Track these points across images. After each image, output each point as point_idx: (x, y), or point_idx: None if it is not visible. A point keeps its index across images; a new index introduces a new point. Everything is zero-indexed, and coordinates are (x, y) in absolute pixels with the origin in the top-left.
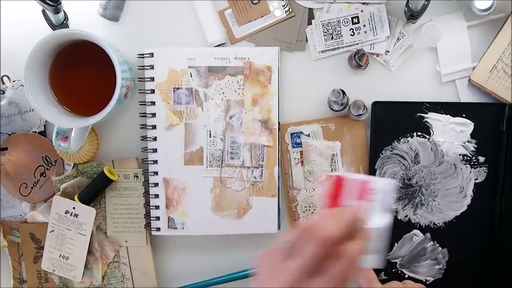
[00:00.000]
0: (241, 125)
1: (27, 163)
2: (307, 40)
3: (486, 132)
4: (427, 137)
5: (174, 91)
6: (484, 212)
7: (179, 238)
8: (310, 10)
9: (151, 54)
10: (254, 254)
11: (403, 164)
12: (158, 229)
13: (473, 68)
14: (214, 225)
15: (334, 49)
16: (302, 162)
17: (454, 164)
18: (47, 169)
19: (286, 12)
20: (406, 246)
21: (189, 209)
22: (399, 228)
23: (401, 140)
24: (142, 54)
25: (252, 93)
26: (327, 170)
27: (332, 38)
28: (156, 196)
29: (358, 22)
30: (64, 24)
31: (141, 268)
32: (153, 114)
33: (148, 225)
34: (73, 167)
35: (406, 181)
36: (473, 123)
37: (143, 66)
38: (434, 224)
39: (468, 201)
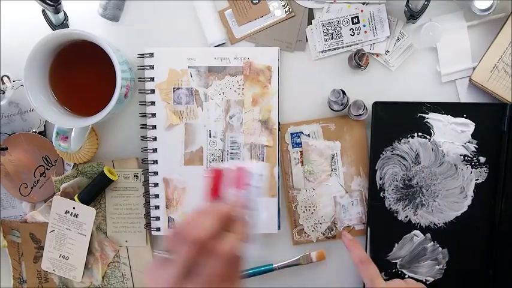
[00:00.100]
0: (241, 125)
1: (27, 163)
2: (307, 40)
3: (487, 133)
4: (428, 137)
5: (174, 91)
6: (484, 213)
7: None
8: (310, 10)
9: (151, 54)
10: (254, 254)
11: (404, 165)
12: (158, 229)
13: (474, 68)
14: None
15: (334, 49)
16: (302, 162)
17: (455, 165)
18: (47, 169)
19: (286, 12)
20: (406, 247)
21: (189, 209)
22: (399, 229)
23: (402, 140)
24: (142, 54)
25: (252, 93)
26: (327, 170)
27: (332, 38)
28: (156, 196)
29: (358, 22)
30: (64, 24)
31: (141, 268)
32: (153, 114)
33: (148, 225)
34: (73, 167)
35: (407, 182)
36: (474, 124)
37: (143, 66)
38: (434, 224)
39: (469, 201)
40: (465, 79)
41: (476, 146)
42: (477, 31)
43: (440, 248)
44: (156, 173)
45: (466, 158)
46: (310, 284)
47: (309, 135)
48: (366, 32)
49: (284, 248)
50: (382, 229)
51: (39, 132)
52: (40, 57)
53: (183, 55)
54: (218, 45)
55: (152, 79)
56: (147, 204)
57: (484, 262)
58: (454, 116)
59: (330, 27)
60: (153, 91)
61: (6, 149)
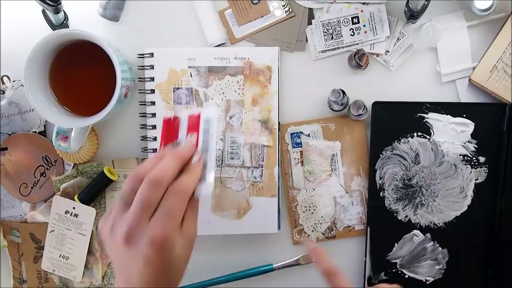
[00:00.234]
0: (241, 125)
1: (27, 163)
2: (307, 40)
3: (486, 133)
4: (428, 137)
5: (174, 91)
6: (484, 212)
7: None
8: (310, 10)
9: (151, 54)
10: (255, 253)
11: (404, 165)
12: None
13: (474, 68)
14: (214, 225)
15: (334, 49)
16: (302, 162)
17: (455, 164)
18: (47, 169)
19: (286, 12)
20: (406, 247)
21: None
22: (399, 229)
23: (402, 140)
24: (143, 54)
25: (252, 93)
26: (327, 170)
27: (332, 38)
28: None
29: (358, 22)
30: (64, 24)
31: None
32: (153, 114)
33: None
34: (73, 167)
35: (407, 181)
36: (473, 124)
37: (143, 66)
38: (434, 224)
39: (468, 201)
40: (465, 79)
41: (476, 146)
42: (477, 31)
43: (440, 248)
44: None
45: (465, 157)
46: (310, 284)
47: (309, 135)
48: (366, 32)
49: (284, 248)
50: (382, 229)
51: (39, 132)
52: (40, 57)
53: (183, 55)
54: (218, 45)
55: (152, 79)
56: None
57: (484, 262)
58: (454, 116)
59: (330, 27)
60: (153, 91)
61: (6, 149)
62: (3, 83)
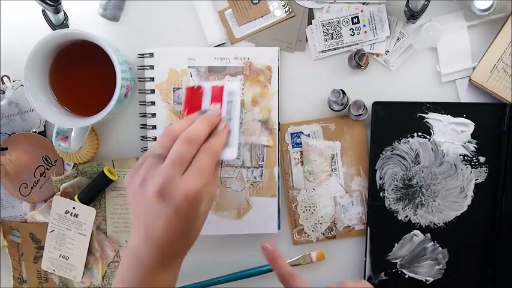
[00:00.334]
0: (241, 125)
1: (27, 163)
2: (307, 40)
3: (487, 133)
4: (428, 137)
5: (174, 91)
6: (484, 213)
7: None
8: (310, 10)
9: (151, 54)
10: (255, 253)
11: (404, 165)
12: None
13: (474, 68)
14: (214, 225)
15: (334, 49)
16: (302, 162)
17: (455, 165)
18: (47, 169)
19: (286, 12)
20: (406, 247)
21: None
22: (399, 229)
23: (402, 140)
24: (143, 54)
25: (252, 93)
26: (327, 170)
27: (332, 38)
28: None
29: (358, 22)
30: (64, 24)
31: None
32: (153, 114)
33: None
34: (73, 167)
35: (407, 181)
36: (473, 124)
37: (143, 66)
38: (434, 224)
39: (468, 201)
40: (465, 79)
41: (476, 146)
42: (477, 31)
43: (440, 248)
44: None
45: (465, 157)
46: (310, 284)
47: (309, 135)
48: (366, 32)
49: (284, 248)
50: (382, 229)
51: (39, 132)
52: (40, 57)
53: (183, 55)
54: (218, 45)
55: (152, 79)
56: None
57: (484, 262)
58: (454, 116)
59: (330, 27)
60: (153, 91)
61: (6, 149)
62: (3, 83)
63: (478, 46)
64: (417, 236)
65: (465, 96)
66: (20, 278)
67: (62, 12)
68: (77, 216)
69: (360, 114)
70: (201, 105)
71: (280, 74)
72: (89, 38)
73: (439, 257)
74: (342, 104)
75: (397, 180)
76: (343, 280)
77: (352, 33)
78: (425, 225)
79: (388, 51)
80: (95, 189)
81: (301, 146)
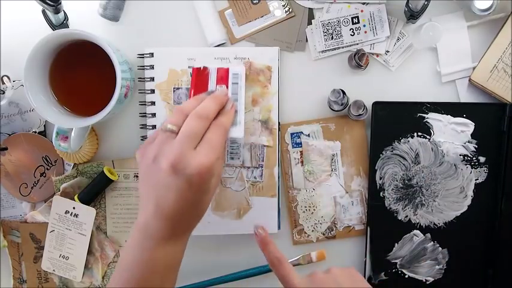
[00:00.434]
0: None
1: (27, 163)
2: (307, 40)
3: (487, 133)
4: (428, 137)
5: (174, 91)
6: (484, 213)
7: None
8: (310, 10)
9: (151, 54)
10: (255, 253)
11: (404, 165)
12: None
13: (474, 68)
14: (215, 225)
15: (334, 49)
16: (302, 162)
17: (455, 164)
18: (47, 169)
19: (286, 12)
20: (406, 247)
21: None
22: (399, 229)
23: (402, 140)
24: (142, 54)
25: (252, 93)
26: (327, 170)
27: (332, 38)
28: None
29: (358, 22)
30: (64, 24)
31: None
32: (153, 114)
33: None
34: (73, 167)
35: (407, 181)
36: (473, 124)
37: (143, 66)
38: (434, 224)
39: (468, 201)
40: (465, 79)
41: (476, 146)
42: (477, 31)
43: (440, 248)
44: None
45: (465, 157)
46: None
47: (309, 135)
48: (366, 32)
49: (284, 248)
50: (382, 229)
51: (39, 132)
52: (40, 57)
53: (183, 55)
54: (218, 45)
55: (152, 79)
56: None
57: (484, 262)
58: (454, 116)
59: (330, 27)
60: (153, 91)
61: (6, 149)
62: (3, 83)
63: (478, 46)
64: (417, 236)
65: (465, 96)
66: (20, 278)
67: (62, 12)
68: (77, 216)
69: (360, 114)
70: (207, 86)
71: (280, 74)
72: (89, 38)
73: (439, 257)
74: (342, 104)
75: (397, 180)
76: (330, 267)
77: (352, 33)
78: (425, 225)
79: (388, 51)
80: (95, 189)
81: (301, 146)
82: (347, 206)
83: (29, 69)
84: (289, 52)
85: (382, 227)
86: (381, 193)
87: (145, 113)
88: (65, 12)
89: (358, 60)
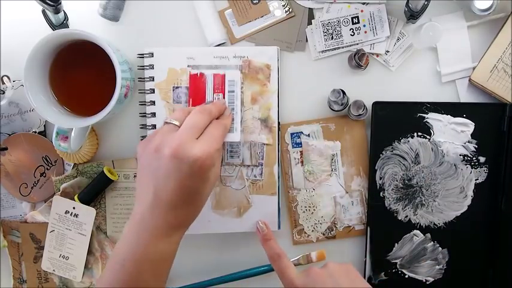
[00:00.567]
0: (240, 123)
1: (27, 163)
2: (307, 40)
3: (487, 133)
4: (428, 137)
5: (173, 90)
6: (484, 213)
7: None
8: (310, 10)
9: (151, 54)
10: (255, 252)
11: (404, 165)
12: None
13: (474, 68)
14: (215, 223)
15: (334, 49)
16: (302, 162)
17: (455, 164)
18: (47, 169)
19: (286, 12)
20: (406, 247)
21: None
22: (399, 229)
23: (402, 140)
24: (142, 54)
25: (251, 92)
26: (327, 170)
27: (332, 38)
28: None
29: (358, 22)
30: (64, 24)
31: None
32: (153, 114)
33: None
34: (73, 167)
35: (407, 181)
36: (473, 124)
37: (143, 66)
38: (434, 224)
39: (468, 201)
40: (465, 79)
41: (476, 146)
42: (477, 31)
43: (440, 248)
44: None
45: (465, 157)
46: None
47: (309, 135)
48: (366, 32)
49: (284, 248)
50: (382, 229)
51: (39, 132)
52: (40, 57)
53: (183, 54)
54: (218, 45)
55: (152, 79)
56: None
57: (484, 262)
58: (454, 116)
59: (330, 27)
60: (153, 91)
61: (6, 149)
62: (3, 83)
63: (478, 46)
64: (417, 236)
65: (465, 96)
66: (20, 278)
67: (62, 12)
68: (77, 216)
69: (360, 114)
70: (205, 93)
71: (280, 74)
72: (89, 38)
73: (439, 257)
74: (342, 104)
75: (397, 180)
76: (327, 262)
77: (352, 33)
78: (425, 225)
79: (388, 51)
80: (95, 189)
81: (301, 146)
82: (347, 206)
83: (29, 69)
84: (289, 52)
85: (382, 227)
86: (381, 193)
87: (145, 113)
88: (65, 12)
89: (358, 60)
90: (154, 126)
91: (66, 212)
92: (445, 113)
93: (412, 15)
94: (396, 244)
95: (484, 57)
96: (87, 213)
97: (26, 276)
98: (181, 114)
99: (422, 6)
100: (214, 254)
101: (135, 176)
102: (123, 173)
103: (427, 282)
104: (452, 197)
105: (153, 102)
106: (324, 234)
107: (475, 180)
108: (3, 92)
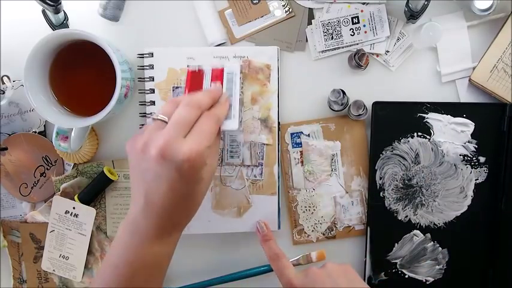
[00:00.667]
0: (240, 123)
1: (27, 163)
2: (307, 40)
3: (487, 133)
4: (428, 137)
5: (173, 90)
6: (484, 213)
7: (180, 237)
8: (310, 10)
9: (151, 54)
10: (255, 252)
11: (404, 165)
12: None
13: (474, 68)
14: (215, 223)
15: (334, 49)
16: (302, 162)
17: (455, 164)
18: (47, 169)
19: (286, 12)
20: (406, 247)
21: None
22: (399, 229)
23: (402, 140)
24: (142, 54)
25: (251, 92)
26: (327, 170)
27: (332, 38)
28: None
29: (358, 22)
30: (64, 24)
31: None
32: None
33: None
34: (73, 167)
35: (407, 181)
36: (473, 124)
37: (143, 66)
38: (434, 224)
39: (468, 201)
40: (465, 79)
41: (476, 146)
42: (477, 31)
43: (440, 248)
44: None
45: (465, 157)
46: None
47: (309, 135)
48: (366, 32)
49: (284, 248)
50: (382, 229)
51: (39, 132)
52: (40, 57)
53: (183, 54)
54: (218, 45)
55: (152, 78)
56: None
57: (484, 262)
58: (454, 116)
59: (330, 27)
60: (152, 91)
61: (6, 149)
62: (3, 83)
63: (478, 46)
64: (417, 236)
65: (465, 96)
66: (20, 278)
67: (62, 12)
68: (77, 216)
69: (360, 114)
70: (202, 85)
71: (280, 74)
72: (89, 38)
73: (439, 257)
74: (342, 104)
75: (397, 180)
76: (326, 263)
77: (352, 33)
78: (425, 225)
79: (388, 51)
80: (95, 189)
81: (301, 146)
82: (347, 206)
83: (29, 69)
84: (289, 52)
85: (382, 227)
86: (381, 193)
87: (145, 113)
88: (65, 12)
89: (358, 60)
90: None
91: (66, 212)
92: (445, 113)
93: (412, 15)
94: (396, 244)
95: (484, 57)
96: (87, 213)
97: (26, 276)
98: (170, 108)
99: (422, 6)
100: (214, 254)
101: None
102: (123, 173)
103: (427, 282)
104: (452, 197)
105: (153, 102)
106: (324, 234)
107: (475, 180)
108: (3, 92)
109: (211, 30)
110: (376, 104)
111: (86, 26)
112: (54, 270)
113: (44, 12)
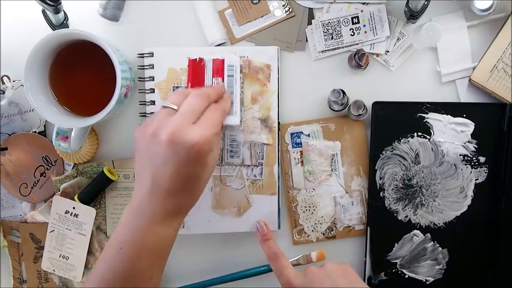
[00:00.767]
0: (240, 123)
1: (27, 163)
2: (307, 40)
3: (487, 133)
4: (428, 137)
5: (173, 90)
6: (484, 213)
7: (180, 237)
8: (310, 10)
9: (151, 54)
10: (255, 252)
11: (404, 165)
12: None
13: (474, 68)
14: (215, 223)
15: (334, 49)
16: (302, 162)
17: (455, 164)
18: (47, 169)
19: (286, 12)
20: (406, 247)
21: None
22: (399, 229)
23: (402, 140)
24: (142, 54)
25: (251, 92)
26: (327, 170)
27: (332, 38)
28: None
29: (358, 22)
30: (64, 24)
31: None
32: (153, 114)
33: None
34: (73, 167)
35: (407, 181)
36: (473, 124)
37: (143, 66)
38: (434, 224)
39: (468, 201)
40: (465, 79)
41: (476, 146)
42: (477, 31)
43: (440, 248)
44: None
45: (465, 157)
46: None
47: (309, 135)
48: (366, 32)
49: (284, 248)
50: (382, 229)
51: (39, 132)
52: (40, 57)
53: (183, 54)
54: (218, 45)
55: (152, 78)
56: None
57: (484, 262)
58: (454, 116)
59: (330, 27)
60: (153, 90)
61: (6, 149)
62: (3, 83)
63: (478, 46)
64: (417, 236)
65: (465, 96)
66: (20, 278)
67: (62, 12)
68: (77, 216)
69: (360, 114)
70: (203, 78)
71: (280, 74)
72: (89, 38)
73: (439, 257)
74: (342, 104)
75: (397, 180)
76: (325, 262)
77: (352, 33)
78: (425, 225)
79: (388, 51)
80: (95, 189)
81: (301, 146)
82: (347, 206)
83: (29, 69)
84: (289, 52)
85: (382, 227)
86: (381, 193)
87: (145, 113)
88: (65, 12)
89: (358, 60)
90: None
91: (66, 212)
92: (445, 113)
93: (412, 15)
94: (396, 244)
95: (484, 57)
96: (87, 213)
97: (26, 276)
98: (180, 98)
99: (422, 6)
100: (214, 254)
101: (135, 176)
102: (123, 173)
103: (427, 282)
104: (452, 197)
105: (153, 102)
106: (324, 234)
107: (475, 180)
108: (3, 92)
109: (211, 30)
110: (376, 104)
111: (86, 26)
112: (54, 270)
113: (44, 12)
